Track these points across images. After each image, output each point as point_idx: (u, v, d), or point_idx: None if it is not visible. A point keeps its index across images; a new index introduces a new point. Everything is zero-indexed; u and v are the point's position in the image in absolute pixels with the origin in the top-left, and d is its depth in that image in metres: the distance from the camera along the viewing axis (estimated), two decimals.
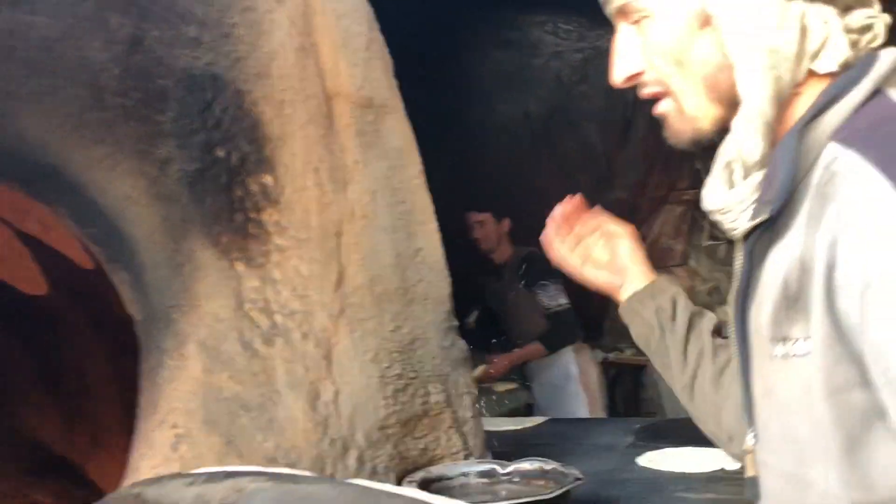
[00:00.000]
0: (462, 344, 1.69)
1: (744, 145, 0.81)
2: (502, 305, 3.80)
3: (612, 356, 4.75)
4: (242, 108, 1.32)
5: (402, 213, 1.62)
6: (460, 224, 5.37)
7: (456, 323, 1.70)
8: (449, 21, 5.13)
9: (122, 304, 1.37)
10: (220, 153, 1.27)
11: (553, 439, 2.43)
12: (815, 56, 0.77)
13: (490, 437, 1.81)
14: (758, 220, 0.78)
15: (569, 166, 5.15)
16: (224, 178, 1.27)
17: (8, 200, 1.62)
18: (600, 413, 3.69)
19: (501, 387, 3.80)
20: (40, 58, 1.04)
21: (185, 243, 1.21)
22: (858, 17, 0.77)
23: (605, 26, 4.29)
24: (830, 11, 0.77)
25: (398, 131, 1.66)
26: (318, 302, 1.38)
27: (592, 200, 4.56)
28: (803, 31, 0.77)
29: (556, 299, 3.50)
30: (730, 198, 0.83)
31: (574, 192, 4.29)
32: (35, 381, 1.87)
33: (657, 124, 4.12)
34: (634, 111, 5.07)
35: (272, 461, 1.22)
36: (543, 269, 3.52)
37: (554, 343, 3.57)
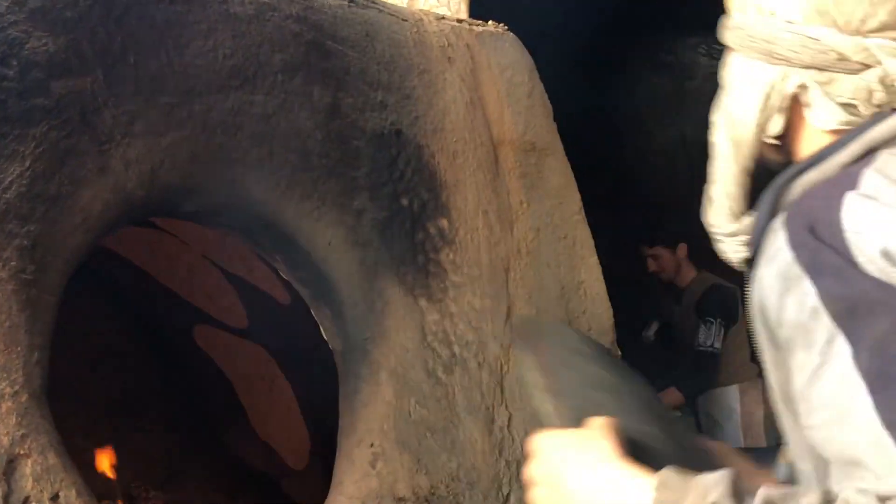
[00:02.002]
0: None
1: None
2: (680, 333, 3.69)
3: None
4: (422, 161, 1.47)
5: (565, 248, 1.73)
6: (623, 250, 5.39)
7: (619, 353, 1.77)
8: (603, 46, 5.20)
9: (310, 335, 1.55)
10: (405, 202, 1.43)
11: None
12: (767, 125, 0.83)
13: None
14: (745, 257, 0.86)
15: None
16: (408, 223, 1.43)
17: (217, 244, 1.87)
18: None
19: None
20: (260, 129, 1.24)
21: (377, 283, 1.37)
22: (847, 82, 0.80)
23: None
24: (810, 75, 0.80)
25: (558, 171, 1.77)
26: (491, 333, 1.50)
27: None
28: (766, 98, 0.82)
29: (710, 339, 3.34)
30: (726, 230, 0.90)
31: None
32: (236, 403, 2.11)
33: None
34: None
35: (455, 479, 1.35)
36: (718, 305, 3.43)
37: (690, 386, 3.42)
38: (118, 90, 1.07)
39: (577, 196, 1.80)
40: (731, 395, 3.45)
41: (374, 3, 1.52)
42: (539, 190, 1.71)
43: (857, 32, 0.80)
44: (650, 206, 5.30)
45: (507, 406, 1.48)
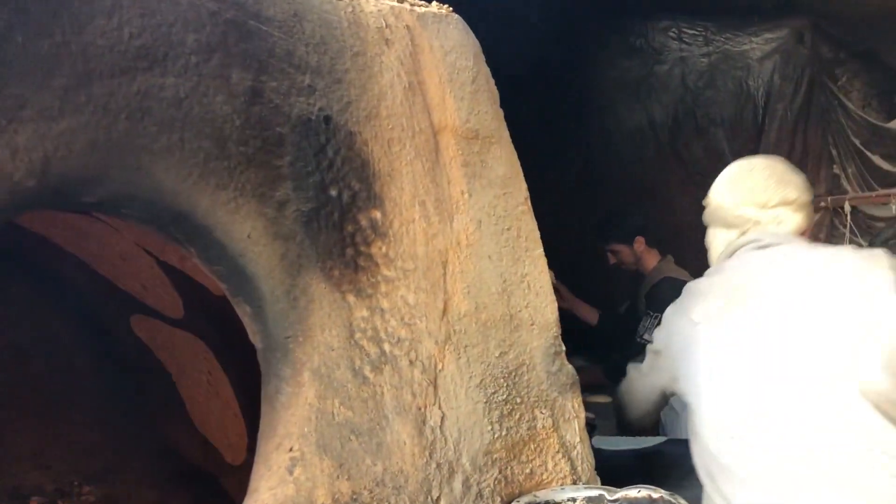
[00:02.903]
0: (570, 369, 1.71)
1: None
2: (638, 314, 3.81)
3: None
4: (353, 149, 1.40)
5: (508, 240, 1.67)
6: (587, 231, 5.36)
7: (563, 348, 1.72)
8: (573, 28, 5.12)
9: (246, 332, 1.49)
10: (333, 192, 1.36)
11: (670, 461, 2.39)
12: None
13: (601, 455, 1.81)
14: None
15: (696, 174, 5.02)
16: (336, 215, 1.36)
17: (148, 232, 1.78)
18: None
19: (594, 398, 3.74)
20: (170, 115, 1.16)
21: (300, 278, 1.30)
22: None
23: (731, 30, 4.31)
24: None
25: (504, 160, 1.71)
26: (425, 330, 1.44)
27: None
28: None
29: (646, 332, 3.38)
30: None
31: (702, 200, 4.25)
32: (174, 396, 2.04)
33: (791, 129, 4.16)
34: (765, 115, 4.89)
35: (380, 484, 1.29)
36: (662, 300, 3.47)
37: (603, 331, 3.57)
38: (3, 72, 0.98)
39: (524, 186, 1.73)
40: None
41: None
42: (482, 179, 1.64)
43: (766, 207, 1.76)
44: (614, 186, 5.26)
45: (440, 406, 1.43)
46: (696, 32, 4.97)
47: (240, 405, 1.94)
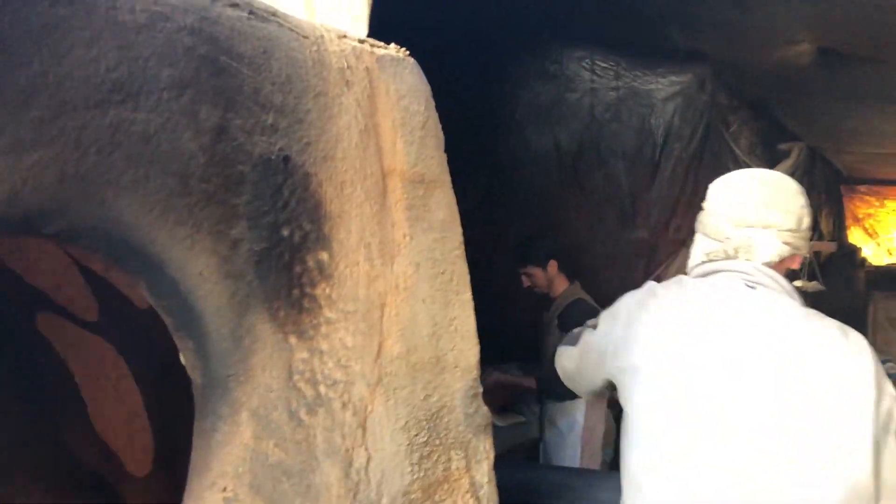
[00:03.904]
0: (485, 410, 1.78)
1: None
2: (542, 335, 3.93)
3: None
4: (308, 190, 1.42)
5: (442, 284, 1.72)
6: (487, 248, 5.47)
7: (481, 389, 1.79)
8: (491, 44, 5.22)
9: (166, 343, 1.47)
10: (285, 232, 1.37)
11: (558, 490, 2.52)
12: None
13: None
14: None
15: (595, 202, 5.24)
16: (287, 255, 1.37)
17: None
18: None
19: (510, 419, 3.90)
20: (139, 150, 1.14)
21: (246, 318, 1.30)
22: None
23: (641, 68, 4.55)
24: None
25: (444, 204, 1.76)
26: (359, 372, 1.48)
27: (615, 238, 4.72)
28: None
29: None
30: None
31: (599, 228, 4.52)
32: (77, 399, 1.98)
33: (683, 168, 4.44)
34: (662, 154, 5.15)
35: None
36: (579, 322, 3.61)
37: (546, 387, 3.63)
38: None
39: (459, 230, 1.79)
40: (577, 408, 3.65)
41: (275, 15, 1.44)
42: (424, 223, 1.69)
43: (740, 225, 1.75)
44: (519, 208, 5.41)
45: (367, 447, 1.47)
46: (608, 66, 5.17)
47: (148, 416, 1.91)
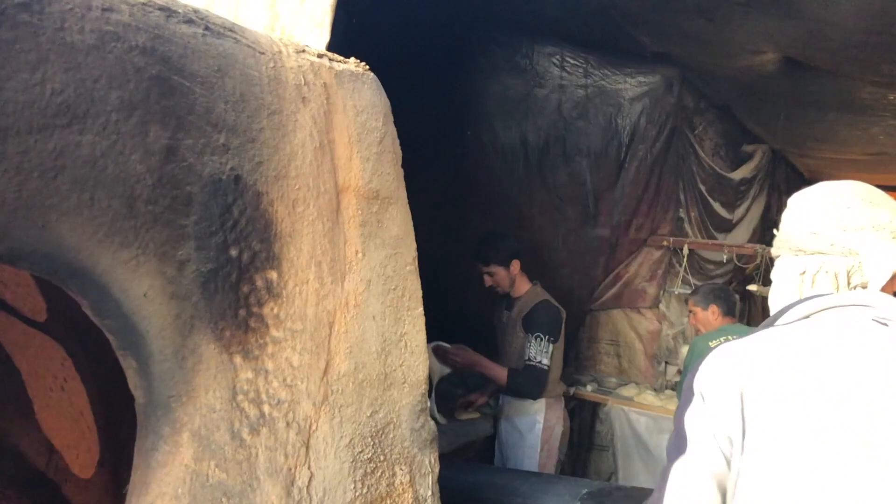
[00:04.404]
0: (431, 425, 1.81)
1: None
2: (502, 334, 3.93)
3: (573, 390, 4.90)
4: (259, 210, 1.42)
5: (393, 300, 1.73)
6: (451, 242, 5.47)
7: (428, 404, 1.81)
8: (463, 39, 5.21)
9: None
10: (234, 252, 1.37)
11: (503, 495, 2.56)
12: None
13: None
14: None
15: (558, 199, 5.27)
16: (234, 276, 1.37)
17: None
18: (551, 471, 3.73)
19: (464, 415, 3.94)
20: (84, 174, 1.13)
21: (191, 339, 1.30)
22: None
23: (609, 66, 4.58)
24: None
25: (399, 220, 1.77)
26: (305, 391, 1.49)
27: (576, 235, 4.74)
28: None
29: (540, 355, 3.59)
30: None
31: (561, 224, 4.54)
32: (23, 397, 1.96)
33: (648, 170, 4.46)
34: (627, 154, 5.19)
35: None
36: (547, 322, 3.67)
37: (515, 387, 3.64)
38: None
39: (413, 246, 1.80)
40: (537, 408, 3.66)
41: (231, 30, 1.42)
42: (377, 239, 1.70)
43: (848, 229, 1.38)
44: (483, 199, 5.42)
45: (310, 466, 1.48)
46: (578, 63, 5.18)
47: (94, 418, 1.90)
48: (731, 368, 1.25)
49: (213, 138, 1.34)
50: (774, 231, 1.49)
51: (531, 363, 3.57)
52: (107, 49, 1.16)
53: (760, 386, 1.22)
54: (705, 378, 1.26)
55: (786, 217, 1.46)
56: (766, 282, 5.82)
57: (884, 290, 1.34)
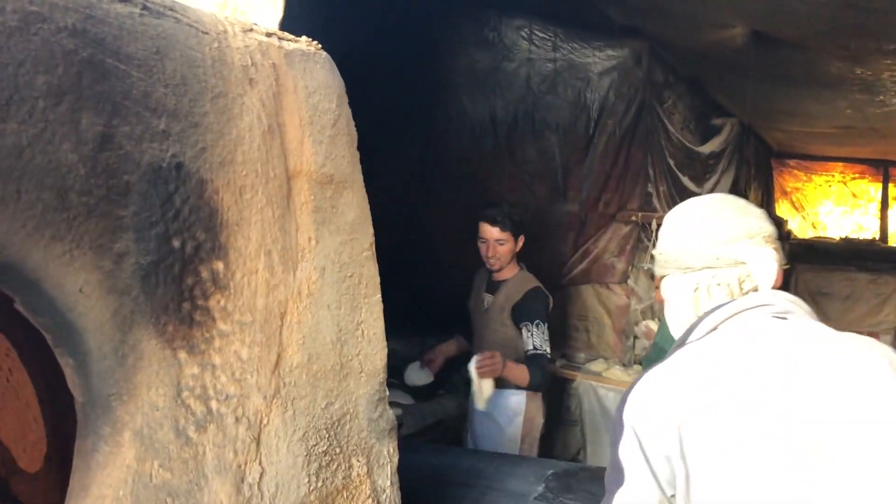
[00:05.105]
0: (389, 414, 1.77)
1: None
2: (482, 319, 3.61)
3: None
4: (203, 198, 1.35)
5: (349, 288, 1.68)
6: (418, 218, 5.41)
7: (387, 393, 1.77)
8: (431, 11, 5.12)
9: None
10: (176, 243, 1.31)
11: (468, 477, 2.54)
12: None
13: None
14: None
15: (527, 174, 5.23)
16: (177, 268, 1.31)
17: None
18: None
19: (419, 380, 3.81)
20: (9, 164, 1.06)
21: (131, 335, 1.25)
22: None
23: (578, 40, 4.53)
24: None
25: (355, 205, 1.71)
26: (255, 385, 1.44)
27: (545, 211, 4.68)
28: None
29: (544, 344, 3.37)
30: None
31: (530, 200, 4.44)
32: None
33: (617, 145, 4.40)
34: (597, 128, 5.15)
35: None
36: (542, 310, 3.42)
37: (536, 386, 3.37)
38: None
39: (370, 231, 1.75)
40: (518, 400, 3.50)
41: (172, 10, 1.35)
42: (331, 226, 1.64)
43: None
44: (451, 175, 5.37)
45: (261, 462, 1.44)
46: (546, 37, 5.12)
47: (41, 410, 1.84)
48: (657, 396, 1.29)
49: (153, 124, 1.27)
50: (652, 252, 1.57)
51: (538, 352, 3.34)
52: (31, 31, 1.09)
53: (691, 409, 1.24)
54: (634, 411, 1.31)
55: (666, 237, 1.52)
56: None
57: (774, 287, 1.43)
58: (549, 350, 3.38)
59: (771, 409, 1.20)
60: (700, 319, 1.41)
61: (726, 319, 1.38)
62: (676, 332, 1.50)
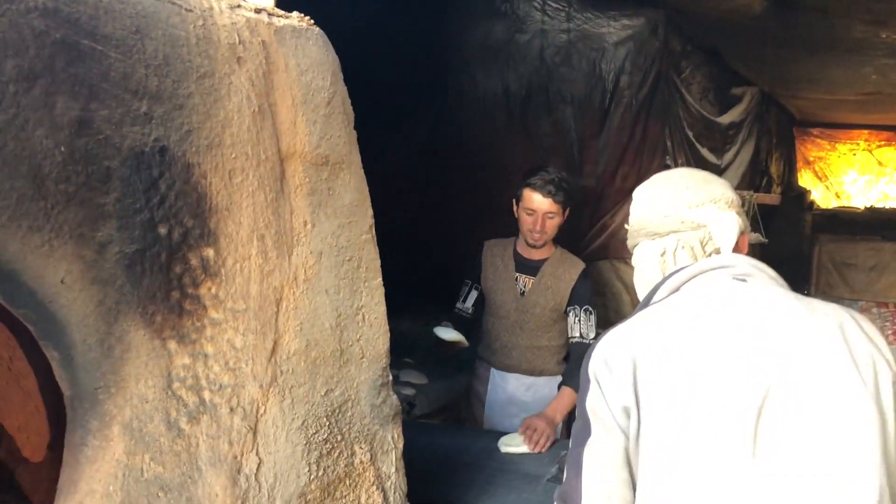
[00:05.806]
0: (393, 399, 1.73)
1: None
2: (515, 303, 3.15)
3: None
4: (190, 183, 1.31)
5: (348, 272, 1.64)
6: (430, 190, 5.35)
7: (390, 378, 1.73)
8: None
9: None
10: (163, 230, 1.27)
11: (480, 458, 2.50)
12: None
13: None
14: None
15: (542, 148, 5.15)
16: (164, 256, 1.27)
17: None
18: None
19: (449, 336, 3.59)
20: None
21: (117, 326, 1.21)
22: None
23: (592, 9, 4.41)
24: None
25: (352, 186, 1.66)
26: (250, 374, 1.40)
27: None
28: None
29: (593, 330, 3.03)
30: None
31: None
32: None
33: (634, 117, 4.27)
34: (612, 100, 5.05)
35: None
36: (592, 295, 3.09)
37: (576, 382, 3.06)
38: None
39: (369, 213, 1.70)
40: (552, 390, 3.15)
41: None
42: (327, 208, 1.59)
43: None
44: (464, 149, 5.29)
45: (258, 452, 1.40)
46: (559, 7, 5.01)
47: (43, 399, 1.82)
48: (618, 350, 1.33)
49: (133, 107, 1.23)
50: (626, 226, 1.61)
51: (584, 341, 2.98)
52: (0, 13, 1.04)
53: (648, 361, 1.30)
54: (597, 364, 1.35)
55: (635, 208, 1.58)
56: (755, 228, 5.76)
57: (738, 252, 1.48)
58: (593, 336, 3.02)
59: (719, 369, 1.25)
60: (662, 281, 1.46)
61: (687, 281, 1.42)
62: (642, 296, 1.54)
